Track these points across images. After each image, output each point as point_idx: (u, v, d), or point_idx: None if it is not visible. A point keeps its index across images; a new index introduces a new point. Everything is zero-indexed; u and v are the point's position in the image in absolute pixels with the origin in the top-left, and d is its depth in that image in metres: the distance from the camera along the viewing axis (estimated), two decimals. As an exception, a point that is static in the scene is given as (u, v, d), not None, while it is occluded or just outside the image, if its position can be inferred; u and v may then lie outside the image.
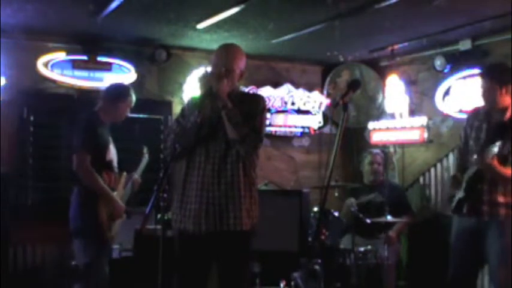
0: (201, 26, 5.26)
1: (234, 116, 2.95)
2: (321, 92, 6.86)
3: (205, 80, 3.04)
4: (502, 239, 3.61)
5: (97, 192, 3.80)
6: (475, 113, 3.91)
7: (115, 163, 4.03)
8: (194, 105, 3.07)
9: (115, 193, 3.93)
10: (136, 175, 4.27)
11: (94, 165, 3.80)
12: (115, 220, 3.93)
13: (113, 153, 4.01)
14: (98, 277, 3.84)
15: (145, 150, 4.38)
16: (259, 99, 3.23)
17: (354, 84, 3.03)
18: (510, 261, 3.62)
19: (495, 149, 3.42)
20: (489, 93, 3.70)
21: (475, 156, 3.60)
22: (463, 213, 3.73)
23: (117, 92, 4.09)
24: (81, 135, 3.85)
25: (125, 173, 4.15)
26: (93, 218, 3.78)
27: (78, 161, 3.79)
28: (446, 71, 5.83)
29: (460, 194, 3.72)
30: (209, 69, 3.22)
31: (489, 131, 3.71)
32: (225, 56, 3.12)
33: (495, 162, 3.46)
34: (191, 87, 6.09)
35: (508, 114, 3.69)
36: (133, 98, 4.14)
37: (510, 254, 3.62)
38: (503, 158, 3.48)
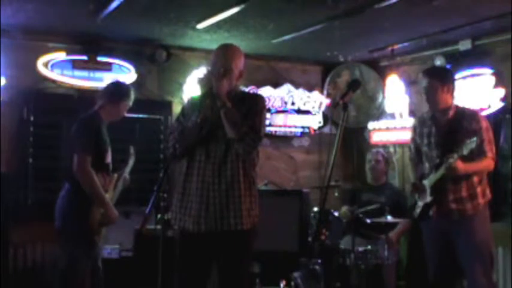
0: (201, 26, 5.26)
1: (233, 115, 2.96)
2: (321, 92, 6.86)
3: (205, 80, 3.04)
4: (473, 236, 3.62)
5: (93, 196, 3.67)
6: (420, 121, 3.94)
7: (111, 166, 3.93)
8: (195, 105, 3.09)
9: (107, 195, 3.82)
10: (126, 174, 4.15)
11: (93, 166, 3.69)
12: (105, 225, 3.82)
13: (110, 155, 3.91)
14: (78, 282, 3.67)
15: (132, 150, 4.24)
16: (258, 99, 3.24)
17: (353, 84, 3.04)
18: (485, 258, 3.63)
19: (465, 151, 3.44)
20: (431, 91, 3.75)
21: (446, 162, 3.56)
22: (430, 218, 3.74)
23: (120, 91, 3.99)
24: (83, 136, 3.73)
25: (115, 175, 4.05)
26: (84, 220, 3.65)
27: (79, 163, 3.67)
28: (446, 71, 5.83)
29: (426, 200, 3.74)
30: (207, 69, 3.22)
31: (439, 133, 3.75)
32: (223, 56, 3.13)
33: (460, 164, 3.48)
34: (191, 87, 6.08)
35: (451, 113, 3.74)
36: (133, 96, 4.06)
37: (484, 250, 3.64)
38: (466, 157, 3.51)
